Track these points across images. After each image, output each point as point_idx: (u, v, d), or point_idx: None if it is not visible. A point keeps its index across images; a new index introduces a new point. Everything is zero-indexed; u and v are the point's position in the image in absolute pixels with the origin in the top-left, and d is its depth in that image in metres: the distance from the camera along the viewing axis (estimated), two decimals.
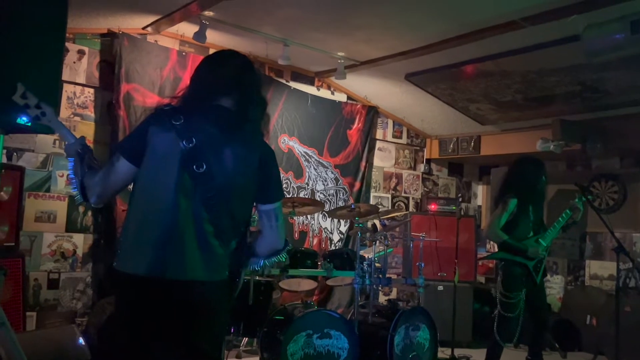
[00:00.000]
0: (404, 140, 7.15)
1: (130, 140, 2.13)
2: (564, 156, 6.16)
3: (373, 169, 6.72)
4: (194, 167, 1.95)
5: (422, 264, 4.82)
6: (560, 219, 4.17)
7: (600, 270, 6.50)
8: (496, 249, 4.32)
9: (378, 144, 6.83)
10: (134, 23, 4.80)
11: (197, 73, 2.16)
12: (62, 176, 4.59)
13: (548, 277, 6.65)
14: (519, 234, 4.10)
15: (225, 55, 2.24)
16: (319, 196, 6.11)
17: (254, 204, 2.18)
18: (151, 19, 4.72)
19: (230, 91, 2.09)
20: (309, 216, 5.99)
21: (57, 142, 4.57)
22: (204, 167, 1.96)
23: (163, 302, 1.94)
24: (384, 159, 6.92)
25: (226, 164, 2.02)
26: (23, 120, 2.30)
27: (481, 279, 7.05)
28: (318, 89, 6.27)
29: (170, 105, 2.05)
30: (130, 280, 1.95)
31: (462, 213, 6.89)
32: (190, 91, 2.11)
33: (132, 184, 2.07)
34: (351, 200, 6.27)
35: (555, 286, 6.82)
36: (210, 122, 2.03)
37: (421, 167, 7.31)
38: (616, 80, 4.87)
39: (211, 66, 2.16)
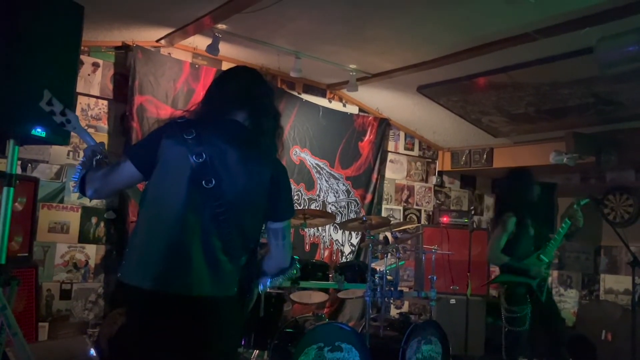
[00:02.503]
0: (415, 152, 7.13)
1: (141, 148, 2.15)
2: (578, 169, 6.11)
3: (385, 181, 6.71)
4: (203, 182, 1.95)
5: (435, 277, 4.78)
6: (560, 229, 4.11)
7: (615, 284, 6.41)
8: None
9: (390, 156, 6.83)
10: (148, 36, 4.86)
11: (210, 89, 2.18)
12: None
13: (562, 290, 6.58)
14: (521, 252, 4.04)
15: (235, 71, 2.26)
16: (330, 208, 6.11)
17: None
18: (165, 31, 4.77)
19: (242, 105, 2.10)
20: (320, 228, 5.99)
21: (71, 153, 4.61)
22: (213, 182, 1.95)
23: (168, 316, 1.93)
24: (395, 171, 6.90)
25: (237, 180, 2.00)
26: (38, 131, 2.33)
27: (494, 292, 6.97)
28: (330, 101, 6.29)
29: (183, 118, 2.05)
30: (134, 292, 1.95)
31: (475, 226, 6.85)
32: (204, 106, 2.11)
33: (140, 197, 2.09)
34: (362, 213, 6.25)
35: (569, 300, 6.74)
36: (222, 137, 2.02)
37: (433, 180, 7.28)
38: (630, 92, 4.83)
39: (222, 82, 2.18)
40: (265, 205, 2.10)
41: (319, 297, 4.77)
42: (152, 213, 1.99)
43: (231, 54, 5.17)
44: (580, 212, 4.11)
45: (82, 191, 2.08)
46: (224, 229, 1.97)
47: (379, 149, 6.55)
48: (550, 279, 4.19)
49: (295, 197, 5.84)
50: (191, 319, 1.95)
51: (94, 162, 2.11)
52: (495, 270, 6.79)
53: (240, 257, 2.06)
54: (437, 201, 7.30)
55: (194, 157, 1.95)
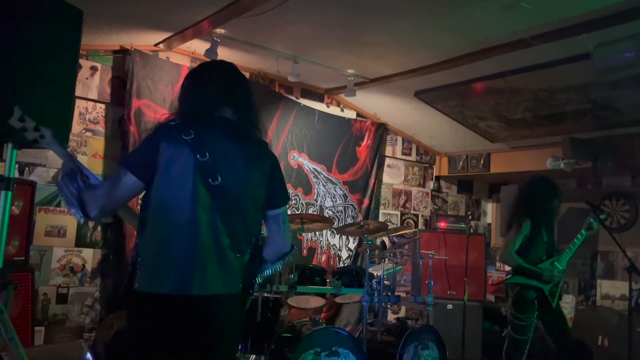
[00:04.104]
0: (413, 157, 7.14)
1: (137, 156, 2.12)
2: (575, 174, 6.12)
3: (382, 186, 6.71)
4: (210, 179, 1.97)
5: (432, 282, 4.78)
6: (575, 240, 4.09)
7: (612, 289, 6.42)
8: (506, 267, 4.26)
9: (387, 161, 6.83)
10: (146, 40, 4.86)
11: (187, 88, 2.16)
12: None
13: (566, 299, 6.57)
14: (533, 257, 4.02)
15: (213, 66, 2.27)
16: (327, 213, 6.10)
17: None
18: (163, 35, 4.77)
19: (228, 101, 2.12)
20: (317, 233, 5.98)
21: None
22: (219, 179, 1.98)
23: (188, 318, 1.94)
24: (393, 176, 6.91)
25: (240, 175, 2.04)
26: None
27: (491, 297, 6.99)
28: (328, 106, 6.30)
29: (174, 121, 2.06)
30: (156, 300, 1.94)
31: (472, 231, 6.85)
32: (190, 106, 2.11)
33: (140, 201, 2.07)
34: (360, 217, 6.25)
35: (566, 306, 6.73)
36: (219, 135, 2.05)
37: (430, 185, 7.29)
38: (627, 98, 4.85)
39: (201, 80, 2.17)
40: (264, 196, 2.15)
41: (316, 302, 4.75)
42: (163, 217, 1.97)
43: (229, 58, 5.08)
44: (596, 228, 4.12)
45: (85, 213, 2.00)
46: (231, 225, 2.01)
47: (376, 154, 6.56)
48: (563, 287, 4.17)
49: (293, 202, 5.84)
50: (206, 317, 1.97)
51: (80, 183, 2.04)
52: (492, 275, 6.81)
53: (245, 252, 2.09)
54: (435, 206, 7.31)
55: (198, 155, 1.96)
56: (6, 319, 2.31)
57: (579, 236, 4.09)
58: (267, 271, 2.27)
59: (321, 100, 6.25)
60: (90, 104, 4.77)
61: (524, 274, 4.01)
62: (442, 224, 6.74)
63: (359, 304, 5.00)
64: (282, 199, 2.24)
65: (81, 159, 4.66)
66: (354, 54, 4.92)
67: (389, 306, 4.78)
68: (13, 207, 3.74)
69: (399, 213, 6.93)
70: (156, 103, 4.92)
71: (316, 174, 6.07)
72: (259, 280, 2.27)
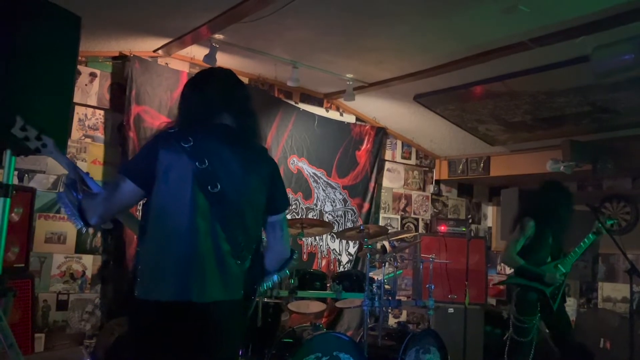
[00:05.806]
0: (412, 161, 7.14)
1: (136, 163, 2.13)
2: (575, 177, 6.12)
3: (382, 190, 6.70)
4: (209, 187, 1.97)
5: (432, 286, 4.77)
6: (582, 243, 4.08)
7: (613, 292, 6.41)
8: (507, 270, 4.25)
9: (387, 165, 6.83)
10: (145, 46, 4.87)
11: (186, 94, 2.16)
12: None
13: (567, 302, 6.55)
14: (537, 259, 4.01)
15: (212, 73, 2.26)
16: (327, 217, 6.10)
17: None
18: (162, 42, 4.78)
19: (227, 108, 2.12)
20: (317, 237, 5.98)
21: None
22: (218, 186, 1.98)
23: (188, 325, 1.94)
24: (393, 180, 6.90)
25: (239, 182, 2.04)
26: None
27: (492, 301, 6.97)
28: (327, 110, 6.30)
29: (174, 128, 2.06)
30: (155, 307, 1.94)
31: (472, 234, 6.85)
32: (190, 113, 2.11)
33: (140, 209, 2.08)
34: (360, 222, 6.24)
35: (567, 309, 6.70)
36: (219, 142, 2.05)
37: (430, 188, 7.29)
38: (626, 100, 4.85)
39: (201, 86, 2.17)
40: (264, 203, 2.15)
41: (316, 306, 4.74)
42: (162, 225, 1.98)
43: (228, 64, 5.16)
44: (604, 232, 4.11)
45: (85, 221, 2.01)
46: (231, 232, 2.00)
47: (376, 158, 6.56)
48: (566, 289, 4.15)
49: (293, 206, 5.84)
50: (206, 325, 1.96)
51: (80, 192, 2.07)
52: (493, 279, 6.79)
53: (246, 259, 2.08)
54: (435, 210, 7.30)
55: (196, 163, 1.96)
56: (5, 325, 2.31)
57: (585, 240, 4.08)
58: (272, 282, 2.27)
59: (320, 104, 6.26)
60: (90, 110, 4.77)
61: (525, 275, 4.01)
62: (442, 228, 6.72)
63: (360, 308, 4.98)
64: (282, 205, 2.25)
65: (81, 165, 4.65)
66: (353, 58, 4.93)
67: (389, 310, 4.78)
68: (13, 214, 3.74)
69: (399, 217, 6.93)
70: (155, 109, 4.92)
71: (316, 178, 6.07)
72: (264, 287, 2.27)
